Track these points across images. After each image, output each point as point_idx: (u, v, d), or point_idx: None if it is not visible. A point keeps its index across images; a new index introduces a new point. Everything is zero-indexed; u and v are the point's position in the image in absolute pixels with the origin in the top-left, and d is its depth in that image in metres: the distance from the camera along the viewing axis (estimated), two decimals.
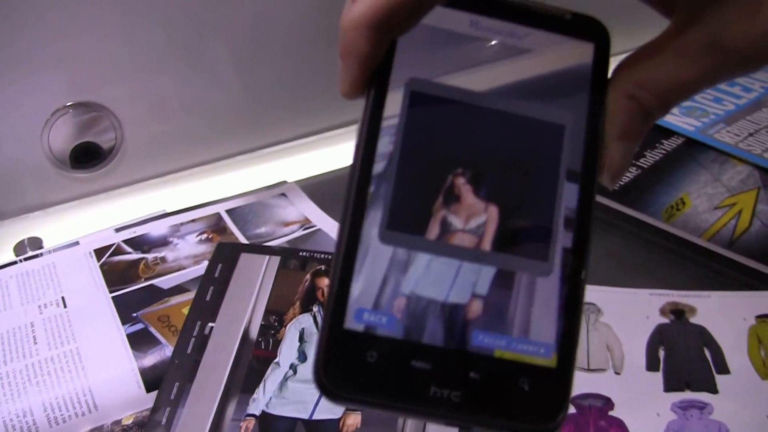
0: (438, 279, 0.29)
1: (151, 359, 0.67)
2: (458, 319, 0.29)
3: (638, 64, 0.31)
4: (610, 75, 0.32)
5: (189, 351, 0.66)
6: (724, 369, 0.64)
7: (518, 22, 0.32)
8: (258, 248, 0.77)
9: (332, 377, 0.28)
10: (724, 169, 0.85)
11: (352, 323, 0.28)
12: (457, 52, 0.32)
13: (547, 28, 0.32)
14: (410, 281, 0.29)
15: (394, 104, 0.31)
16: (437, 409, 0.27)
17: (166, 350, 0.67)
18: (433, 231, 0.30)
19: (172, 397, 0.63)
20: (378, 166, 0.30)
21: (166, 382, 0.64)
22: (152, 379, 0.65)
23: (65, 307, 0.73)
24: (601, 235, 0.82)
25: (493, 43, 0.32)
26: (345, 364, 0.28)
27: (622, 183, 0.84)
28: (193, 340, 0.67)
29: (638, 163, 0.86)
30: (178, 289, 0.75)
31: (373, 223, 0.29)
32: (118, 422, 0.63)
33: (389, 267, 0.29)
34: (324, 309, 0.29)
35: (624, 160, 0.31)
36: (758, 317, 0.68)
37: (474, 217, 0.30)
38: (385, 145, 0.30)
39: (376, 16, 0.28)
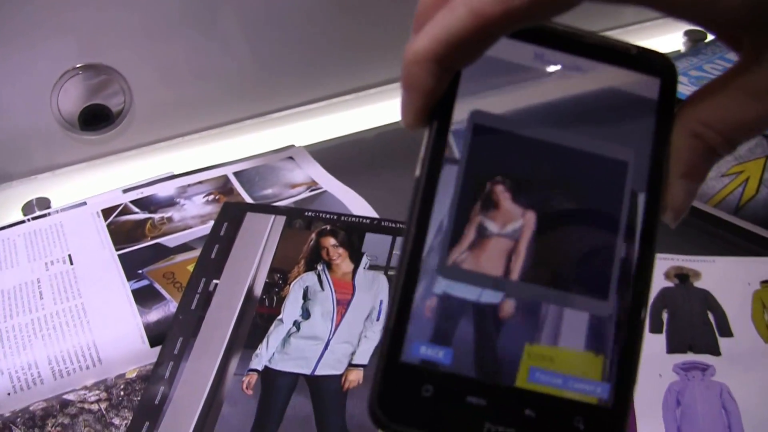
0: (496, 315, 0.29)
1: (155, 315, 0.67)
2: (514, 354, 0.28)
3: (704, 101, 0.30)
4: (675, 111, 0.31)
5: (193, 307, 0.66)
6: (727, 332, 0.64)
7: (583, 55, 0.32)
8: (264, 207, 0.77)
9: (387, 410, 0.27)
10: None
11: (408, 357, 0.28)
12: (521, 84, 0.31)
13: (612, 62, 0.32)
14: (468, 316, 0.29)
15: (457, 139, 0.30)
16: None
17: (170, 306, 0.68)
18: (494, 267, 0.29)
19: (176, 351, 0.63)
20: (439, 199, 0.30)
21: (170, 338, 0.64)
22: (156, 335, 0.66)
23: (71, 264, 0.73)
24: None
25: (558, 75, 0.32)
26: (400, 398, 0.27)
27: None
28: (197, 296, 0.67)
29: None
30: (184, 248, 0.75)
31: (433, 255, 0.29)
32: (121, 376, 0.64)
33: (448, 301, 0.29)
34: (381, 341, 0.28)
35: (687, 198, 0.30)
36: (763, 282, 0.68)
37: (535, 255, 0.29)
38: (446, 177, 0.30)
39: (440, 50, 0.28)
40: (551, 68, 0.31)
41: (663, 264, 0.71)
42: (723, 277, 0.69)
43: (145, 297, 0.69)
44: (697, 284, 0.69)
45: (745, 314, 0.65)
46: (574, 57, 0.32)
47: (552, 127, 0.31)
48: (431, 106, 0.30)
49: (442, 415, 0.27)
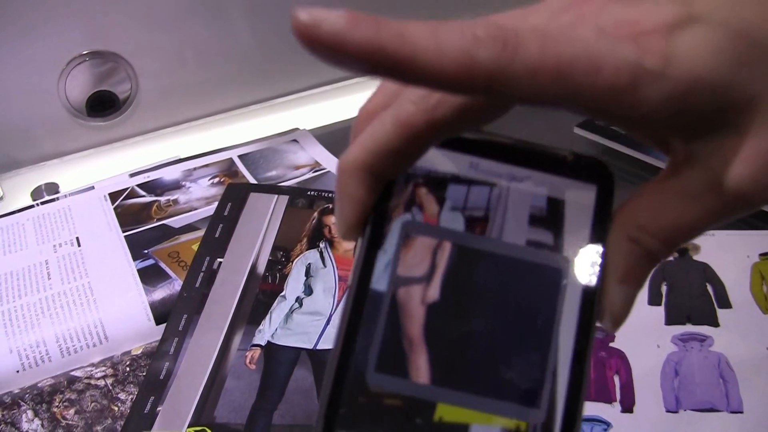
0: (426, 422, 0.28)
1: (160, 293, 0.68)
2: None
3: (640, 205, 0.29)
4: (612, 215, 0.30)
5: (197, 285, 0.68)
6: (725, 303, 0.64)
7: (518, 164, 0.31)
8: (267, 187, 0.78)
9: None
10: None
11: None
12: (456, 191, 0.31)
13: (548, 169, 0.31)
14: (399, 423, 0.28)
15: (391, 244, 0.30)
16: None
17: (175, 284, 0.69)
18: (423, 375, 0.29)
19: (180, 328, 0.64)
20: (369, 307, 0.29)
21: (175, 314, 0.65)
22: (161, 313, 0.67)
23: (79, 246, 0.74)
24: None
25: (492, 183, 0.31)
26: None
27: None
28: (201, 274, 0.68)
29: None
30: (189, 228, 0.76)
31: (361, 362, 0.29)
32: (127, 353, 0.65)
33: (373, 407, 0.28)
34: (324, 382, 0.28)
35: (625, 304, 0.29)
36: (761, 255, 0.68)
37: (466, 362, 0.29)
38: (377, 284, 0.29)
39: (369, 159, 0.28)
40: (487, 178, 0.31)
41: None
42: (722, 250, 0.69)
43: (150, 276, 0.70)
44: (696, 257, 0.69)
45: (744, 286, 0.66)
46: (510, 166, 0.31)
47: (485, 236, 0.30)
48: (364, 217, 0.30)
49: None
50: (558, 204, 0.31)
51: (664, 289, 0.66)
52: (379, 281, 0.29)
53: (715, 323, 0.63)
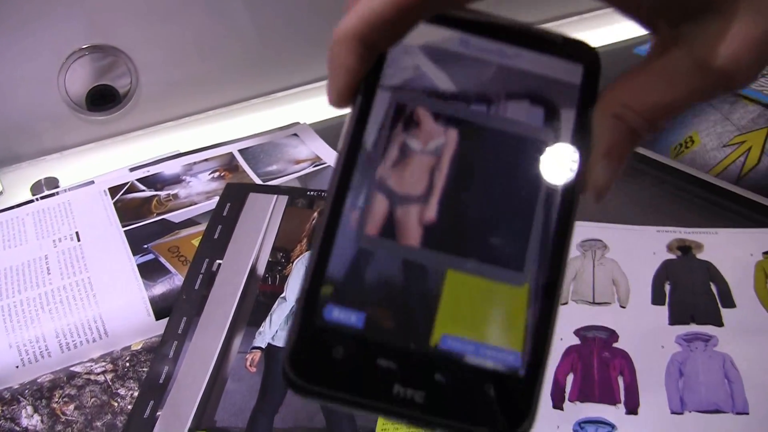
0: (410, 282, 0.29)
1: (160, 288, 0.68)
2: (426, 320, 0.29)
3: (624, 85, 0.31)
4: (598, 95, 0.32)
5: (197, 287, 0.67)
6: (729, 303, 0.64)
7: (509, 42, 0.32)
8: (266, 188, 0.78)
9: (299, 371, 0.27)
10: (735, 108, 0.85)
11: (321, 319, 0.28)
12: (446, 68, 0.32)
13: (537, 49, 0.32)
14: (382, 282, 0.29)
15: (379, 115, 0.31)
16: (400, 408, 0.27)
17: (175, 279, 0.69)
18: (410, 238, 0.30)
19: (180, 330, 0.64)
20: (357, 176, 0.30)
21: (174, 317, 0.65)
22: (161, 308, 0.67)
23: (79, 240, 0.74)
24: None
25: (482, 60, 0.32)
26: (312, 360, 0.28)
27: None
28: (201, 276, 0.68)
29: None
30: (189, 222, 0.76)
31: (350, 224, 0.29)
32: (127, 348, 0.64)
33: (362, 267, 0.29)
34: (296, 303, 0.29)
35: (608, 178, 0.31)
36: (765, 253, 0.68)
37: (451, 226, 0.30)
38: (365, 155, 0.30)
39: (363, 29, 0.29)
40: (477, 54, 0.32)
41: (665, 236, 0.71)
42: (725, 249, 0.69)
43: (150, 271, 0.70)
44: (700, 256, 0.69)
45: (748, 285, 0.65)
46: (500, 44, 0.32)
47: (475, 107, 0.31)
48: (355, 86, 0.31)
49: (352, 376, 0.28)
50: (546, 82, 0.32)
51: (667, 288, 0.66)
52: (368, 149, 0.30)
53: (719, 323, 0.62)
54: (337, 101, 0.31)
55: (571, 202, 0.30)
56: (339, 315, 0.28)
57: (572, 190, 0.30)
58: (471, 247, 0.29)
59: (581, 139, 0.31)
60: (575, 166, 0.31)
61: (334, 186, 0.30)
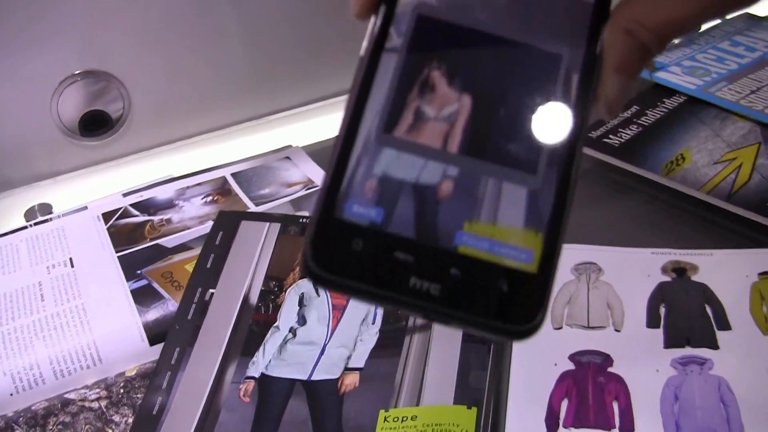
0: (429, 180, 0.30)
1: (154, 313, 0.68)
2: (444, 218, 0.30)
3: (637, 2, 0.32)
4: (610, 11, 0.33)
5: (190, 317, 0.67)
6: (725, 325, 0.64)
7: None
8: (258, 215, 0.78)
9: (319, 262, 0.29)
10: (725, 125, 0.85)
11: (341, 213, 0.29)
12: None
13: None
14: (402, 180, 0.30)
15: (402, 24, 0.33)
16: (416, 300, 0.28)
17: (168, 305, 0.69)
18: (428, 137, 0.31)
19: (173, 361, 0.63)
20: (379, 79, 0.32)
21: (167, 347, 0.65)
22: (155, 333, 0.67)
23: (72, 266, 0.74)
24: (600, 192, 0.82)
25: None
26: (332, 251, 0.29)
27: (622, 141, 0.85)
28: (194, 306, 0.68)
29: (639, 121, 0.87)
30: (182, 247, 0.76)
31: (371, 125, 0.31)
32: (121, 374, 0.64)
33: (382, 165, 0.30)
34: (317, 197, 0.30)
35: (619, 93, 0.32)
36: (761, 274, 0.68)
37: (468, 133, 0.31)
38: (388, 61, 0.32)
39: None
40: None
41: (659, 258, 0.71)
42: (721, 270, 0.69)
43: (143, 296, 0.70)
44: (695, 278, 0.69)
45: (744, 307, 0.65)
46: None
47: (492, 20, 0.33)
48: None
49: (371, 268, 0.29)
50: None
51: (662, 311, 0.66)
52: (390, 53, 0.32)
53: (714, 345, 0.62)
54: (360, 12, 0.33)
55: (583, 113, 0.32)
56: (358, 209, 0.30)
57: (584, 102, 0.32)
58: (488, 150, 0.31)
59: (594, 54, 0.32)
60: (588, 80, 0.32)
61: (357, 86, 0.31)
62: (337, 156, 0.30)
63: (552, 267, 0.30)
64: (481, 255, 0.29)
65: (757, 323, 0.64)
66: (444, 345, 0.63)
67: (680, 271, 0.69)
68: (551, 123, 0.32)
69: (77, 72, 0.87)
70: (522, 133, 0.31)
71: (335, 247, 0.29)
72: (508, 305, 0.29)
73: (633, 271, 0.70)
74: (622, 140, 0.84)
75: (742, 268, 0.69)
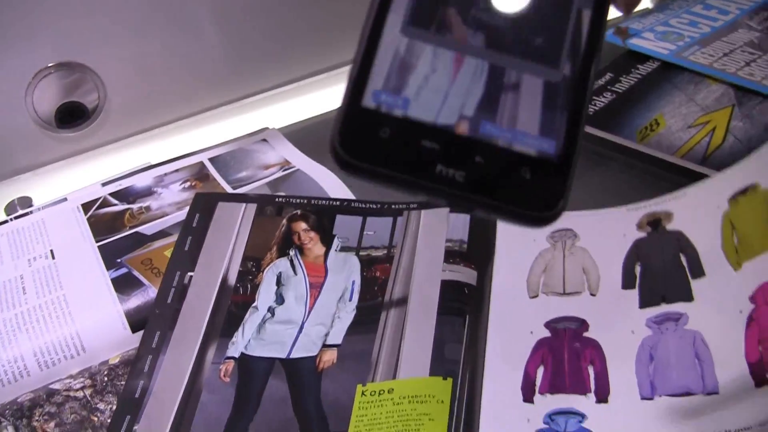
0: (453, 71, 0.32)
1: (135, 301, 0.69)
2: (468, 107, 0.31)
3: None
4: None
5: (169, 300, 0.68)
6: (699, 272, 0.63)
7: None
8: (234, 196, 0.78)
9: (347, 149, 0.30)
10: (699, 89, 0.85)
11: (368, 101, 0.31)
12: None
13: None
14: (427, 70, 0.31)
15: None
16: (441, 186, 0.30)
17: (149, 291, 0.69)
18: (453, 29, 0.32)
19: (154, 345, 0.64)
20: None
21: (148, 332, 0.65)
22: (137, 320, 0.67)
23: (53, 258, 0.74)
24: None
25: None
26: (359, 138, 0.30)
27: (596, 108, 0.85)
28: (173, 289, 0.68)
29: (613, 89, 0.87)
30: (161, 234, 0.76)
31: (395, 16, 0.32)
32: (105, 363, 0.65)
33: (408, 56, 0.32)
34: (345, 87, 0.31)
35: None
36: (730, 199, 0.67)
37: (492, 27, 0.32)
38: None
39: None
40: None
41: (635, 215, 0.71)
42: (694, 209, 0.68)
43: (124, 285, 0.70)
44: (670, 226, 0.68)
45: (716, 245, 0.64)
46: None
47: None
48: None
49: (397, 155, 0.30)
50: None
51: (638, 270, 0.66)
52: None
53: (689, 297, 0.62)
54: None
55: (602, 7, 0.33)
56: (385, 98, 0.31)
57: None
58: (511, 42, 0.32)
59: None
60: None
61: None
62: (363, 46, 0.31)
63: (573, 156, 0.31)
64: (504, 144, 0.31)
65: (729, 259, 0.63)
66: (419, 320, 0.64)
67: (655, 223, 0.69)
68: (573, 18, 0.33)
69: (51, 64, 0.87)
70: (544, 26, 0.33)
71: (363, 135, 0.30)
72: (531, 192, 0.30)
73: (609, 233, 0.70)
74: (597, 108, 0.85)
75: (713, 198, 0.68)
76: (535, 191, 0.30)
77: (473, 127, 0.31)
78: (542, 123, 0.31)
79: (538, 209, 0.30)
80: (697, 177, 0.75)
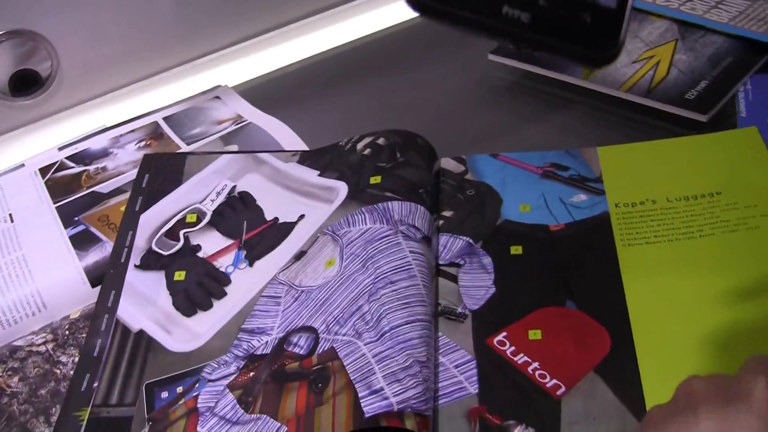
0: None
1: (93, 256, 0.70)
2: None
3: None
4: None
5: (122, 260, 0.69)
6: None
7: None
8: (181, 156, 0.79)
9: None
10: (643, 25, 0.87)
11: None
12: None
13: None
14: None
15: None
16: (508, 26, 0.32)
17: (106, 246, 0.70)
18: None
19: (109, 304, 0.65)
20: None
21: (103, 291, 0.67)
22: (96, 276, 0.69)
23: (12, 222, 0.75)
24: (524, 102, 0.84)
25: None
26: None
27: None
28: (125, 249, 0.70)
29: None
30: (117, 191, 0.77)
31: None
32: (66, 317, 0.66)
33: None
34: None
35: None
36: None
37: None
38: None
39: None
40: None
41: None
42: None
43: (82, 241, 0.71)
44: None
45: None
46: None
47: None
48: None
49: None
50: None
51: None
52: None
53: None
54: None
55: None
56: None
57: None
58: None
59: None
60: None
61: None
62: None
63: (626, 4, 0.33)
64: None
65: None
66: None
67: None
68: None
69: (2, 32, 0.87)
70: None
71: None
72: (590, 34, 0.33)
73: None
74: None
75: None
76: (594, 33, 0.33)
77: None
78: None
79: (596, 50, 0.33)
80: (642, 109, 0.77)
